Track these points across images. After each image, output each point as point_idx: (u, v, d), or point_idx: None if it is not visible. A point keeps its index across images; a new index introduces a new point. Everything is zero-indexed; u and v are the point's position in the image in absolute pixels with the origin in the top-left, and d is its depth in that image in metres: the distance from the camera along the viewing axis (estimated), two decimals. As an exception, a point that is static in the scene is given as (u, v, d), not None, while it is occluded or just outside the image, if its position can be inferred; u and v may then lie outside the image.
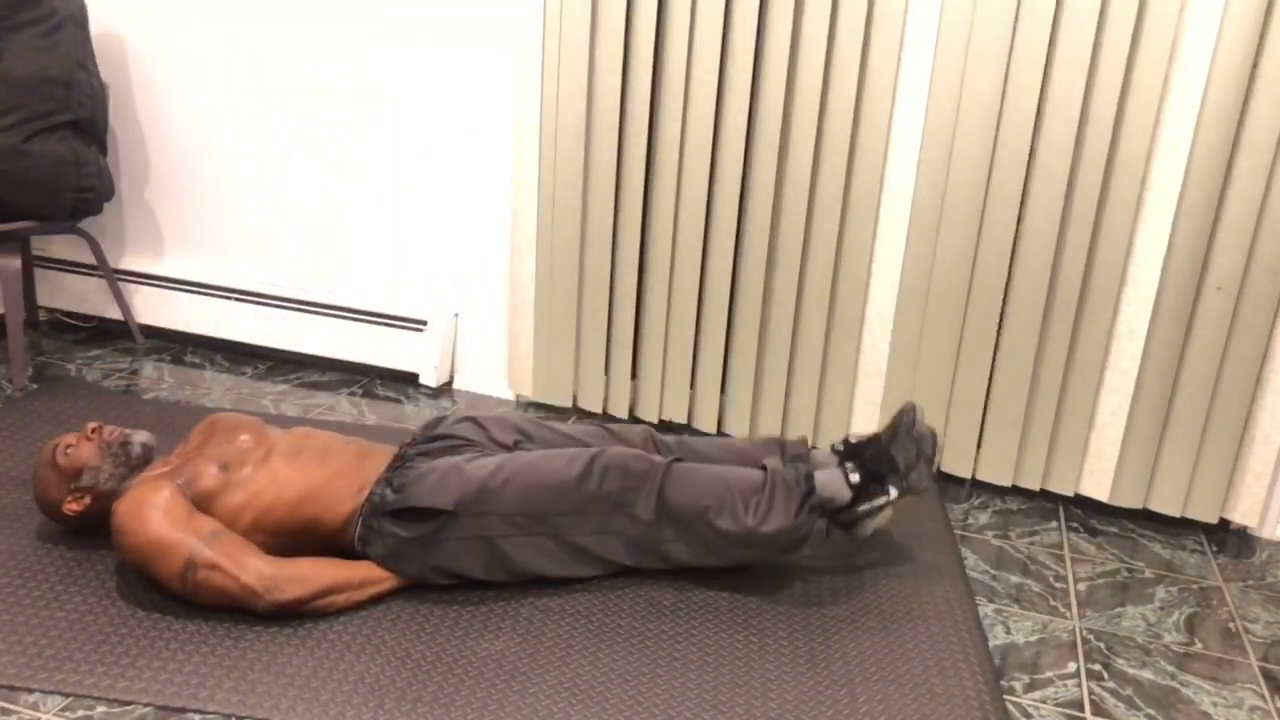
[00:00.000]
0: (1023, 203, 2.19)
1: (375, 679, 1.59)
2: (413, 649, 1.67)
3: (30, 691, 1.54)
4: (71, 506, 1.81)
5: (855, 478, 1.84)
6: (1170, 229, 2.13)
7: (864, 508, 1.83)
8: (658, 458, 1.86)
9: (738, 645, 1.74)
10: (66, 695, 1.53)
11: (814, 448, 2.12)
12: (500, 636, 1.72)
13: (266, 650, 1.64)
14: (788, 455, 2.01)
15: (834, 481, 1.84)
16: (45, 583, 1.79)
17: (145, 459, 1.85)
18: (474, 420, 1.99)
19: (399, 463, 1.84)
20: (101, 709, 1.51)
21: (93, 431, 1.84)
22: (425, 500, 1.75)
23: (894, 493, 1.84)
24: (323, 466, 1.81)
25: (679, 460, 1.87)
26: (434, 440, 1.93)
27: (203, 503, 1.73)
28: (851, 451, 1.91)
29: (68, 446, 1.82)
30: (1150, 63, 2.04)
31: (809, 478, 1.84)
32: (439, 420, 2.00)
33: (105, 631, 1.67)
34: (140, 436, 1.86)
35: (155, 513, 1.66)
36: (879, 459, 1.85)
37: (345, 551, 1.81)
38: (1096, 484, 2.33)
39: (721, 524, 1.79)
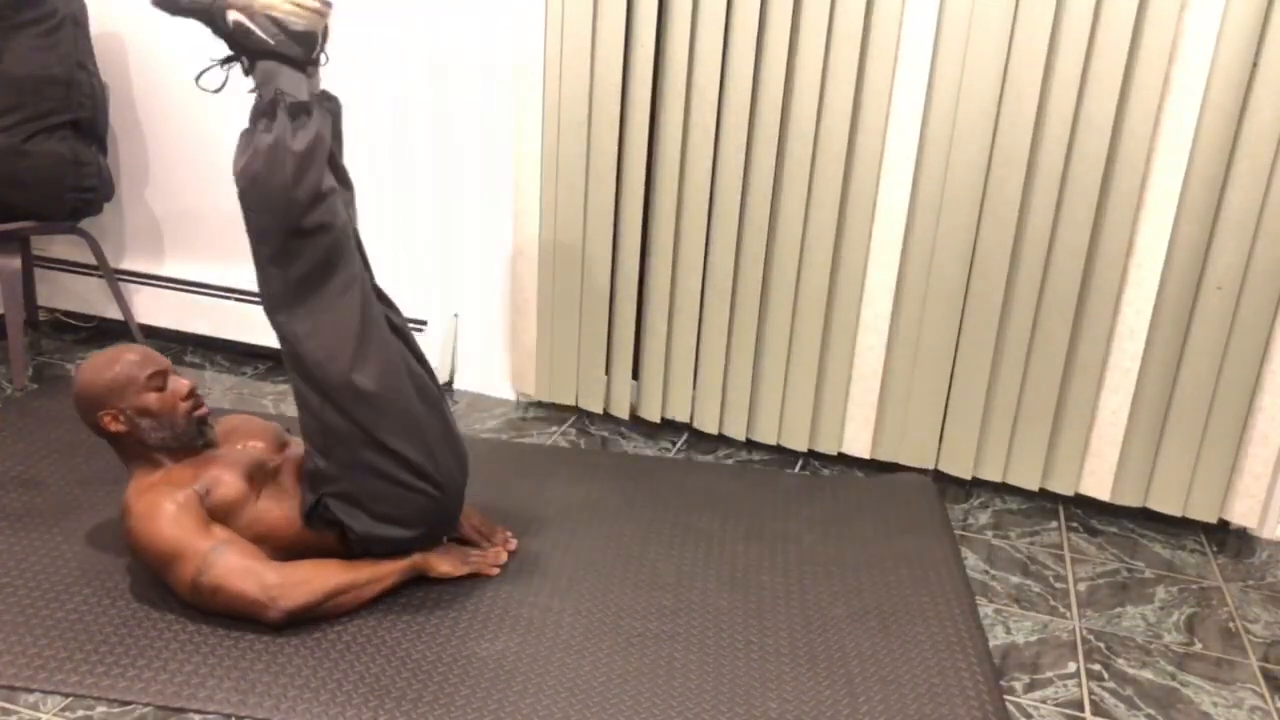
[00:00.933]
0: (1022, 202, 2.19)
1: (375, 679, 1.59)
2: (413, 649, 1.67)
3: (30, 691, 1.54)
4: (108, 421, 1.74)
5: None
6: (1170, 229, 2.13)
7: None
8: None
9: (738, 646, 1.74)
10: (66, 695, 1.53)
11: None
12: (500, 636, 1.72)
13: (266, 650, 1.64)
14: None
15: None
16: (45, 583, 1.79)
17: (198, 448, 1.81)
18: None
19: None
20: (101, 709, 1.51)
21: (189, 394, 1.77)
22: (311, 473, 1.76)
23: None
24: None
25: None
26: None
27: (219, 511, 1.72)
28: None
29: (159, 388, 1.75)
30: (1150, 63, 2.04)
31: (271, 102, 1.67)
32: None
33: (105, 631, 1.67)
34: (214, 434, 1.83)
35: (166, 520, 1.66)
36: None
37: (356, 559, 1.81)
38: (1097, 483, 2.33)
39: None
